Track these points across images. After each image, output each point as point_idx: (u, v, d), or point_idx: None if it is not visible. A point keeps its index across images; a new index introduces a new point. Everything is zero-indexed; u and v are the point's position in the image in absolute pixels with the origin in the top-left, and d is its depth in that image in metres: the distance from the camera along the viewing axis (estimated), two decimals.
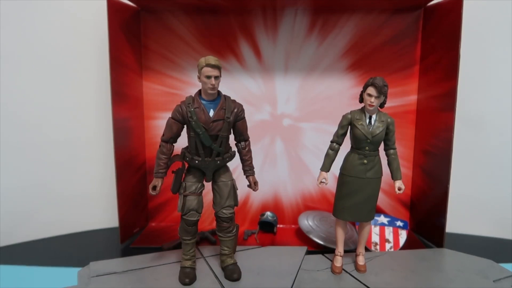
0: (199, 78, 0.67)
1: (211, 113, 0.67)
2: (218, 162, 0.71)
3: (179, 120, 0.68)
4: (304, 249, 0.87)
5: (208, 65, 0.65)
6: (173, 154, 0.72)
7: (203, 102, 0.68)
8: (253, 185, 0.74)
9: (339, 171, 0.78)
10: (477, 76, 1.01)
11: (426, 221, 1.00)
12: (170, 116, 0.69)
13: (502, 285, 0.74)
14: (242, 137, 0.73)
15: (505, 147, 1.04)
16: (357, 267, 0.79)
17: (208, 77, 0.65)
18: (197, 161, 0.70)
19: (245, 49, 1.02)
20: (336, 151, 0.77)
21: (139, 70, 1.02)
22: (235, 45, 1.01)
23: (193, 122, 0.66)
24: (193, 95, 0.69)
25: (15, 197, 1.02)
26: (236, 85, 1.03)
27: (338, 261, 0.79)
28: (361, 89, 0.74)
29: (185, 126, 0.70)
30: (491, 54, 1.01)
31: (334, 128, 0.77)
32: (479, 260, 0.83)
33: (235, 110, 0.69)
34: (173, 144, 0.71)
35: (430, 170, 0.98)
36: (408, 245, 0.94)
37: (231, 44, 1.01)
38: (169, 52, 1.02)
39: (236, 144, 0.75)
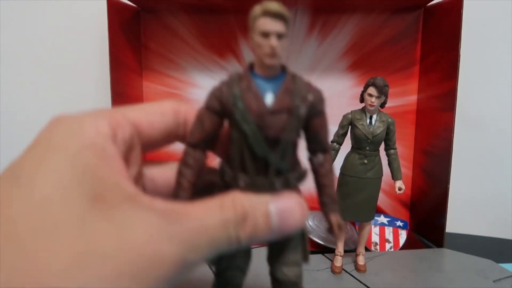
0: (251, 39, 0.34)
1: (269, 98, 0.34)
2: (277, 185, 0.35)
3: (217, 109, 0.35)
4: None
5: (266, 13, 0.32)
6: (206, 167, 0.39)
7: (257, 80, 0.35)
8: (337, 229, 0.38)
9: (339, 171, 0.78)
10: (477, 76, 1.01)
11: (426, 221, 1.01)
12: (203, 105, 0.36)
13: (502, 285, 0.74)
14: (320, 145, 0.38)
15: (505, 147, 1.04)
16: (357, 267, 0.79)
17: (265, 34, 0.32)
18: (242, 182, 0.36)
19: (245, 49, 1.02)
20: (337, 151, 0.77)
21: (139, 70, 1.02)
22: (235, 45, 1.01)
23: (238, 113, 0.34)
24: (240, 71, 0.37)
25: None
26: None
27: (338, 261, 0.79)
28: (362, 89, 0.74)
29: (225, 121, 0.39)
30: (491, 54, 1.01)
31: (334, 128, 0.77)
32: (479, 260, 0.84)
33: (310, 98, 0.35)
34: (206, 151, 0.37)
35: (430, 170, 0.98)
36: (408, 245, 0.94)
37: (231, 44, 1.01)
38: (169, 52, 1.02)
39: (309, 158, 0.39)
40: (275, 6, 0.32)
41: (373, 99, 0.71)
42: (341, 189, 0.77)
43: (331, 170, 0.38)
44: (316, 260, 0.83)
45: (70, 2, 0.99)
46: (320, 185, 0.38)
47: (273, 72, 0.34)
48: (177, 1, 0.92)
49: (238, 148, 0.34)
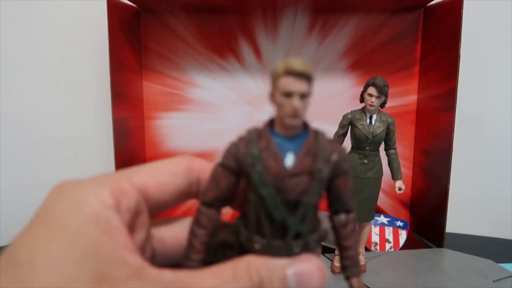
0: (272, 96, 0.33)
1: (289, 159, 0.33)
2: (296, 250, 0.33)
3: (233, 168, 0.34)
4: None
5: (290, 72, 0.31)
6: (219, 224, 0.37)
7: (277, 139, 0.34)
8: None
9: None
10: (477, 76, 1.01)
11: (426, 221, 1.01)
12: (219, 161, 0.36)
13: (502, 285, 0.74)
14: (342, 205, 0.36)
15: (505, 147, 1.04)
16: None
17: (288, 94, 0.31)
18: (258, 245, 0.34)
19: (245, 49, 1.02)
20: None
21: (139, 70, 1.02)
22: (235, 45, 1.01)
23: (256, 175, 0.33)
24: (259, 127, 0.35)
25: (15, 197, 1.02)
26: (236, 85, 1.03)
27: (338, 261, 0.79)
28: (361, 89, 0.74)
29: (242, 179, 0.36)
30: (491, 54, 1.01)
31: (334, 128, 0.77)
32: (479, 260, 0.84)
33: (334, 158, 0.34)
34: (220, 210, 0.36)
35: (430, 170, 0.98)
36: (408, 245, 0.95)
37: (231, 44, 1.01)
38: (169, 52, 1.02)
39: (329, 217, 0.36)
40: (299, 65, 0.30)
41: (373, 99, 0.71)
42: None
43: (353, 231, 0.36)
44: None
45: (70, 2, 0.99)
46: (341, 247, 0.36)
47: (295, 132, 0.33)
48: (177, 1, 0.92)
49: (255, 209, 0.33)
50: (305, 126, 0.33)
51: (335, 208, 0.35)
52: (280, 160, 0.31)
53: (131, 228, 0.29)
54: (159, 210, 0.33)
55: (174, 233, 0.34)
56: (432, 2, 0.94)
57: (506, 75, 1.01)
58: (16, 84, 0.99)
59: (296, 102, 0.30)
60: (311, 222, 0.33)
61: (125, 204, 0.28)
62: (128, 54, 0.96)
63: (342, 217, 0.35)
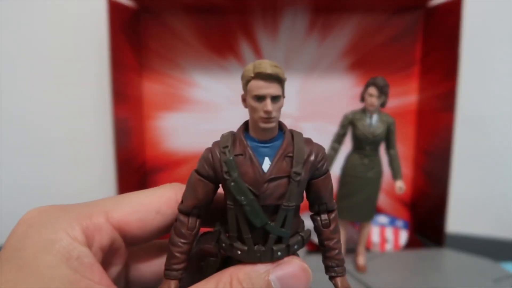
0: (244, 100, 0.33)
1: (266, 164, 0.32)
2: (279, 253, 0.32)
3: (209, 175, 0.32)
4: (303, 249, 0.87)
5: (259, 75, 0.30)
6: (200, 233, 0.36)
7: (252, 144, 0.32)
8: None
9: (339, 171, 0.78)
10: (477, 76, 1.01)
11: (426, 221, 1.01)
12: (195, 169, 0.34)
13: (502, 285, 0.74)
14: (323, 205, 0.35)
15: (505, 147, 1.04)
16: (357, 267, 0.79)
17: (260, 98, 0.30)
18: (239, 252, 0.32)
19: (245, 49, 1.02)
20: (337, 151, 0.77)
21: (139, 70, 1.02)
22: (235, 45, 1.01)
23: (232, 182, 0.30)
24: (234, 131, 0.34)
25: (15, 197, 1.02)
26: (236, 85, 1.03)
27: None
28: (362, 89, 0.74)
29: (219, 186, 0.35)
30: (491, 54, 1.01)
31: (334, 128, 0.77)
32: (479, 260, 0.84)
33: (311, 159, 0.32)
34: (199, 218, 0.33)
35: (430, 170, 0.98)
36: (408, 245, 0.95)
37: (231, 44, 1.01)
38: (169, 52, 1.02)
39: (311, 217, 0.35)
40: (268, 68, 0.29)
41: (374, 99, 0.71)
42: (341, 189, 0.77)
43: (335, 231, 0.34)
44: (316, 260, 0.83)
45: (70, 3, 0.99)
46: (324, 247, 0.34)
47: (270, 135, 0.31)
48: (177, 1, 0.92)
49: (234, 216, 0.31)
50: (282, 128, 0.32)
51: (316, 209, 0.34)
52: (256, 165, 0.30)
53: (107, 262, 0.28)
54: (138, 244, 0.32)
55: (149, 260, 0.34)
56: (432, 3, 0.94)
57: (506, 75, 1.01)
58: (17, 84, 0.99)
59: (268, 105, 0.29)
60: (292, 224, 0.32)
61: (98, 241, 0.27)
62: (128, 54, 0.96)
63: (324, 217, 0.34)
